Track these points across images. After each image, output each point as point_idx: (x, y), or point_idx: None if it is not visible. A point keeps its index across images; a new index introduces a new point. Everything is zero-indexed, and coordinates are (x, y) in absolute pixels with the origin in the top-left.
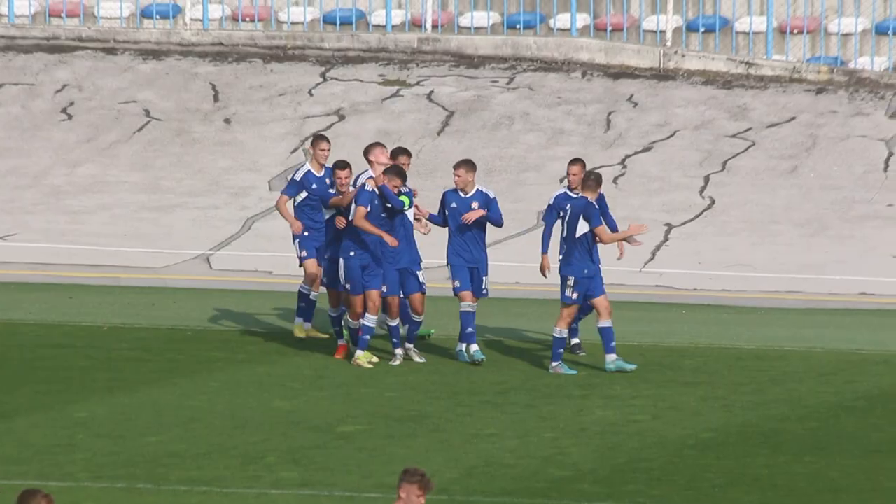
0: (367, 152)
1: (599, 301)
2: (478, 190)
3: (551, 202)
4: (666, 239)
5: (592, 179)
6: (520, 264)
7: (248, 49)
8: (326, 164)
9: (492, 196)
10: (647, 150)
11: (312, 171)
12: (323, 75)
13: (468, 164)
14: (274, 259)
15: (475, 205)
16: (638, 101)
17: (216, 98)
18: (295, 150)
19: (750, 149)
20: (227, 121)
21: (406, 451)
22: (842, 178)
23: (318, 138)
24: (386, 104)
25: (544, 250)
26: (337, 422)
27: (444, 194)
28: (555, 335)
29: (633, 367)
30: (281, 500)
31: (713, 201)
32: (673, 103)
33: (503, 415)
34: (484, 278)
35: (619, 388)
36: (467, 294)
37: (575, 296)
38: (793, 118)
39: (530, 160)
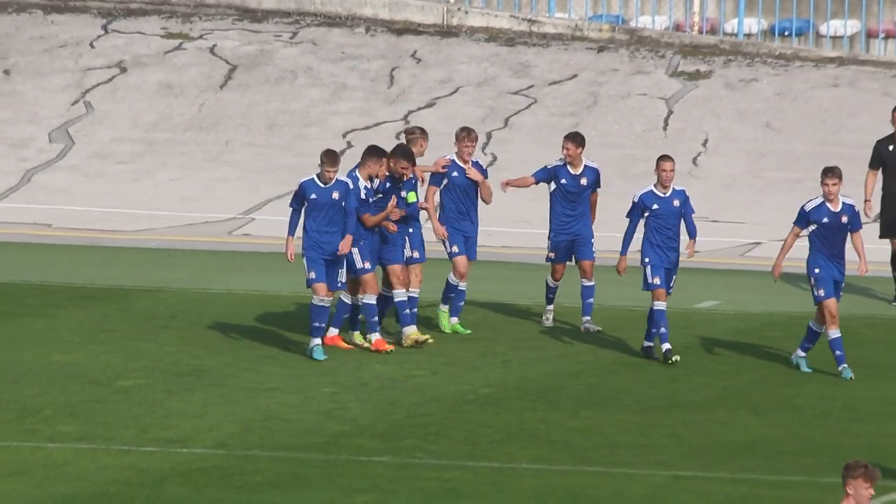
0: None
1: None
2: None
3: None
4: None
5: None
6: None
7: (27, 0)
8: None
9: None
10: (430, 105)
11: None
12: (104, 27)
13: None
14: (54, 212)
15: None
16: (421, 58)
17: None
18: (75, 102)
19: (532, 106)
20: (6, 72)
21: (185, 406)
22: (622, 135)
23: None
24: (168, 57)
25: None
26: (116, 376)
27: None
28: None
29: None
30: (58, 453)
31: (495, 158)
32: (456, 60)
33: (283, 370)
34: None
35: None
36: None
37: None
38: (574, 76)
39: (313, 115)
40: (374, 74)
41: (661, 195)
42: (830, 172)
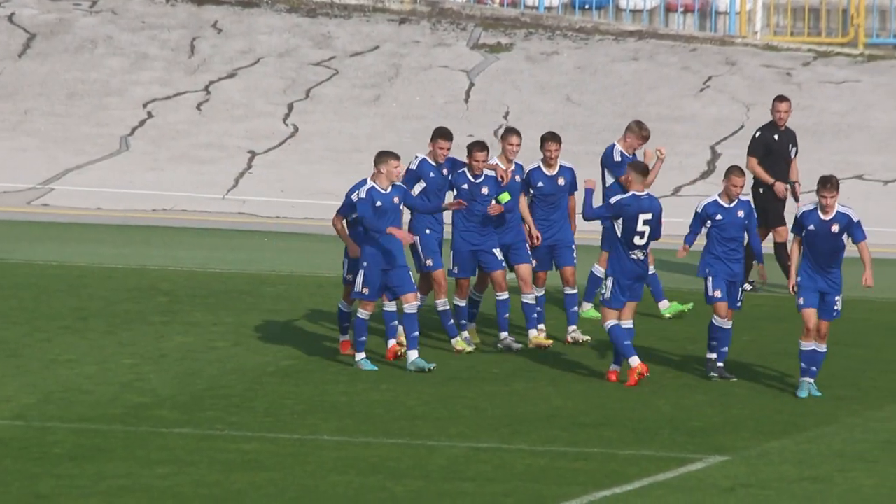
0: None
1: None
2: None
3: None
4: (249, 166)
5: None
6: (100, 189)
7: None
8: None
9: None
10: (231, 76)
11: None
12: None
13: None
14: None
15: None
16: (223, 28)
17: None
18: None
19: (333, 77)
20: None
21: None
22: (424, 107)
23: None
24: None
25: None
26: None
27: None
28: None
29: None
30: None
31: (297, 129)
32: (257, 30)
33: (82, 340)
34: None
35: (200, 315)
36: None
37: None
38: (376, 47)
39: (113, 85)
40: (174, 44)
41: (726, 206)
42: (828, 184)
